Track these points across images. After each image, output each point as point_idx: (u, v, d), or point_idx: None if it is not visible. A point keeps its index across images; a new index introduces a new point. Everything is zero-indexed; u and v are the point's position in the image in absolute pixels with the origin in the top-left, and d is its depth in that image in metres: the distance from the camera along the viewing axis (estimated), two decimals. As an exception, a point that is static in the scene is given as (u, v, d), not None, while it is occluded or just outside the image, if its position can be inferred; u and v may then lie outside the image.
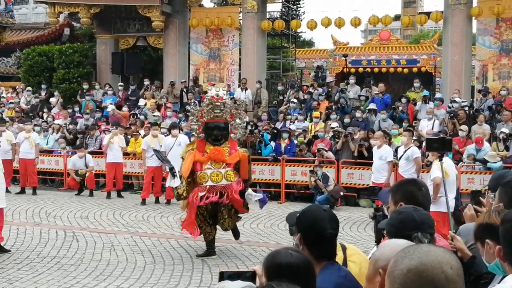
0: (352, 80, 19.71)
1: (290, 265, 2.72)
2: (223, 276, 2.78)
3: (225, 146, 9.46)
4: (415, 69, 26.96)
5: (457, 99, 17.33)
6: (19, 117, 20.09)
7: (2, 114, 20.41)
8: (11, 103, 22.30)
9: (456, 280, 1.90)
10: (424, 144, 10.96)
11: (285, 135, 16.16)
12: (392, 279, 1.96)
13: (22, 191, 16.25)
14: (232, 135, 9.62)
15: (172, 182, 9.90)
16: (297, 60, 27.10)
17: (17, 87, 24.06)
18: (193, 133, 10.77)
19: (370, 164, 13.69)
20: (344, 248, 3.65)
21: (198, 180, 9.35)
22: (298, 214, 3.40)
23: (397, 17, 30.53)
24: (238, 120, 9.76)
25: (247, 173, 9.65)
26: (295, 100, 19.03)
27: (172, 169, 10.12)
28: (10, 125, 17.99)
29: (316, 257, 3.12)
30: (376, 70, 26.19)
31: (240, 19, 22.44)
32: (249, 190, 9.62)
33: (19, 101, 22.46)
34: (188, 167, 9.37)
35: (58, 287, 7.92)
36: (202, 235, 9.61)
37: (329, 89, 19.66)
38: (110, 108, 19.35)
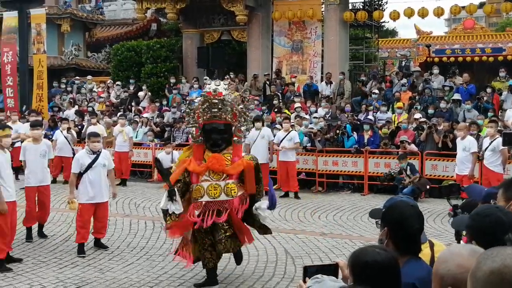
0: (435, 70, 19.43)
1: (377, 264, 2.72)
2: (307, 271, 2.82)
3: (227, 153, 7.72)
4: (500, 58, 26.00)
5: (544, 88, 16.81)
6: (109, 111, 20.96)
7: (93, 108, 21.31)
8: (101, 97, 23.27)
9: None
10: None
11: (366, 126, 16.05)
12: (474, 281, 1.93)
13: (123, 183, 16.79)
14: (235, 138, 7.82)
15: (170, 206, 7.49)
16: (380, 50, 26.79)
17: (107, 81, 25.04)
18: (190, 136, 8.90)
19: (455, 156, 13.51)
20: (432, 245, 3.70)
21: (193, 195, 7.63)
22: (384, 209, 3.43)
23: (481, 5, 29.54)
24: (242, 120, 7.88)
25: (254, 186, 7.72)
26: (377, 91, 18.90)
27: (172, 191, 7.46)
28: (100, 119, 18.77)
29: (401, 252, 3.16)
30: (460, 59, 25.50)
31: (322, 11, 22.42)
32: (257, 204, 7.69)
33: (109, 95, 23.39)
34: (177, 175, 7.73)
35: (147, 276, 8.24)
36: (201, 261, 7.94)
37: (415, 79, 19.37)
38: (198, 101, 19.80)
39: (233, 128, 7.80)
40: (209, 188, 7.52)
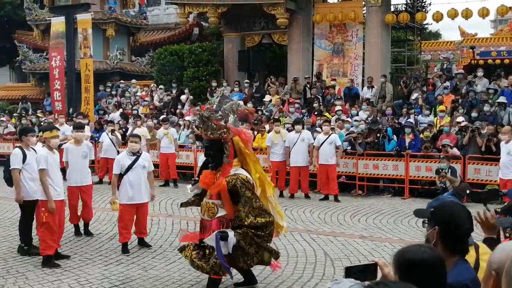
0: (480, 72, 19.14)
1: (423, 262, 2.74)
2: (348, 271, 2.89)
3: (220, 171, 7.40)
4: (547, 60, 25.45)
5: None
6: (153, 114, 21.32)
7: (137, 111, 21.71)
8: (145, 100, 23.70)
9: None
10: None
11: (407, 129, 15.94)
12: (509, 279, 1.97)
13: (166, 184, 17.29)
14: (224, 156, 7.38)
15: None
16: (422, 53, 26.57)
17: (151, 85, 25.47)
18: None
19: (498, 160, 13.34)
20: (477, 247, 3.71)
21: None
22: (433, 208, 3.44)
23: (530, 5, 28.94)
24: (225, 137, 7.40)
25: (231, 210, 7.23)
26: (417, 94, 18.78)
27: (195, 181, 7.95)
28: (144, 122, 19.14)
29: (450, 251, 3.21)
30: (506, 61, 25.05)
31: (364, 13, 22.38)
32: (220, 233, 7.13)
33: (153, 99, 23.79)
34: None
35: (188, 275, 8.41)
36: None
37: (457, 82, 19.15)
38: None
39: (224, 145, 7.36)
40: (203, 205, 7.55)
